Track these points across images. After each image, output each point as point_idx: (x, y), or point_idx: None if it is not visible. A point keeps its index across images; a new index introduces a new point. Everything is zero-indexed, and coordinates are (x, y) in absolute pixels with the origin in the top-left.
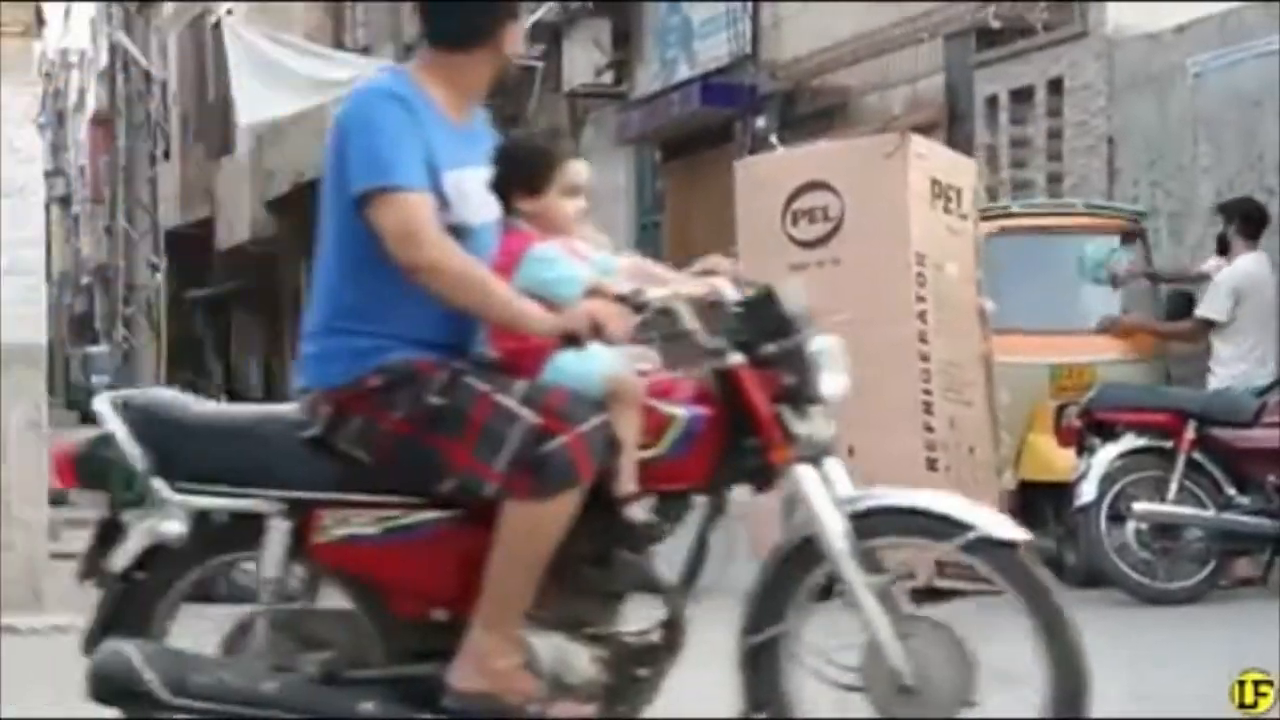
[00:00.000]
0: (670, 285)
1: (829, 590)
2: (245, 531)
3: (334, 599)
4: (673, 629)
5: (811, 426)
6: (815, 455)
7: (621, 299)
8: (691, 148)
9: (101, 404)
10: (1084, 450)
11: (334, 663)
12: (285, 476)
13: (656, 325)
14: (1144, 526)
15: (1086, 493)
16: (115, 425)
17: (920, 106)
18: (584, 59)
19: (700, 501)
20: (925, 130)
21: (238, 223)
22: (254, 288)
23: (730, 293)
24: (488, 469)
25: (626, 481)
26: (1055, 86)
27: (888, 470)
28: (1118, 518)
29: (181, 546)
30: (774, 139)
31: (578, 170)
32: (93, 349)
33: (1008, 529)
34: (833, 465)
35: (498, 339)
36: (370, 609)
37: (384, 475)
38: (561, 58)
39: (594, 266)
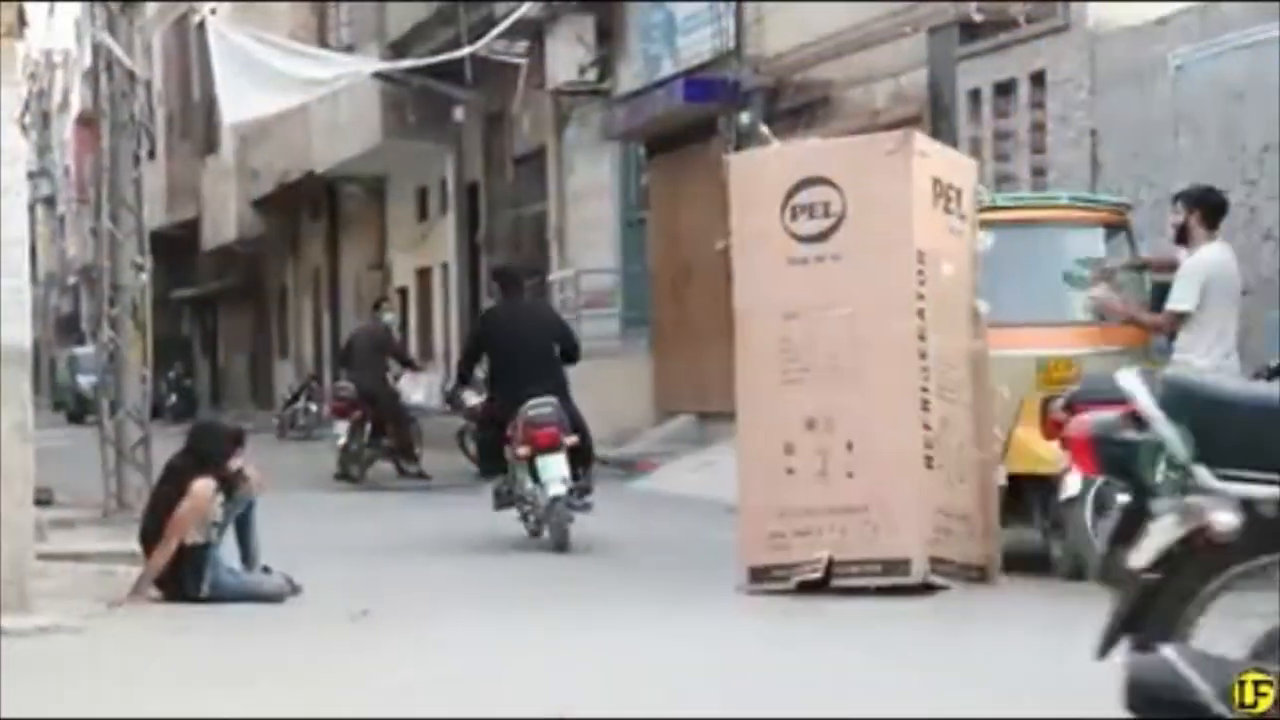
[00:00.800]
0: None
1: None
2: None
3: None
4: None
5: None
6: None
7: None
8: (676, 144)
9: (1128, 380)
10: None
11: None
12: None
13: None
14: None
15: (1072, 485)
16: (1146, 405)
17: (903, 100)
18: (568, 56)
19: None
20: (908, 124)
21: (223, 222)
22: (240, 287)
23: None
24: None
25: None
26: (1038, 80)
27: (886, 466)
28: (1103, 509)
29: (1227, 541)
30: (764, 128)
31: None
32: (79, 350)
33: None
34: None
35: None
36: None
37: None
38: (545, 55)
39: None
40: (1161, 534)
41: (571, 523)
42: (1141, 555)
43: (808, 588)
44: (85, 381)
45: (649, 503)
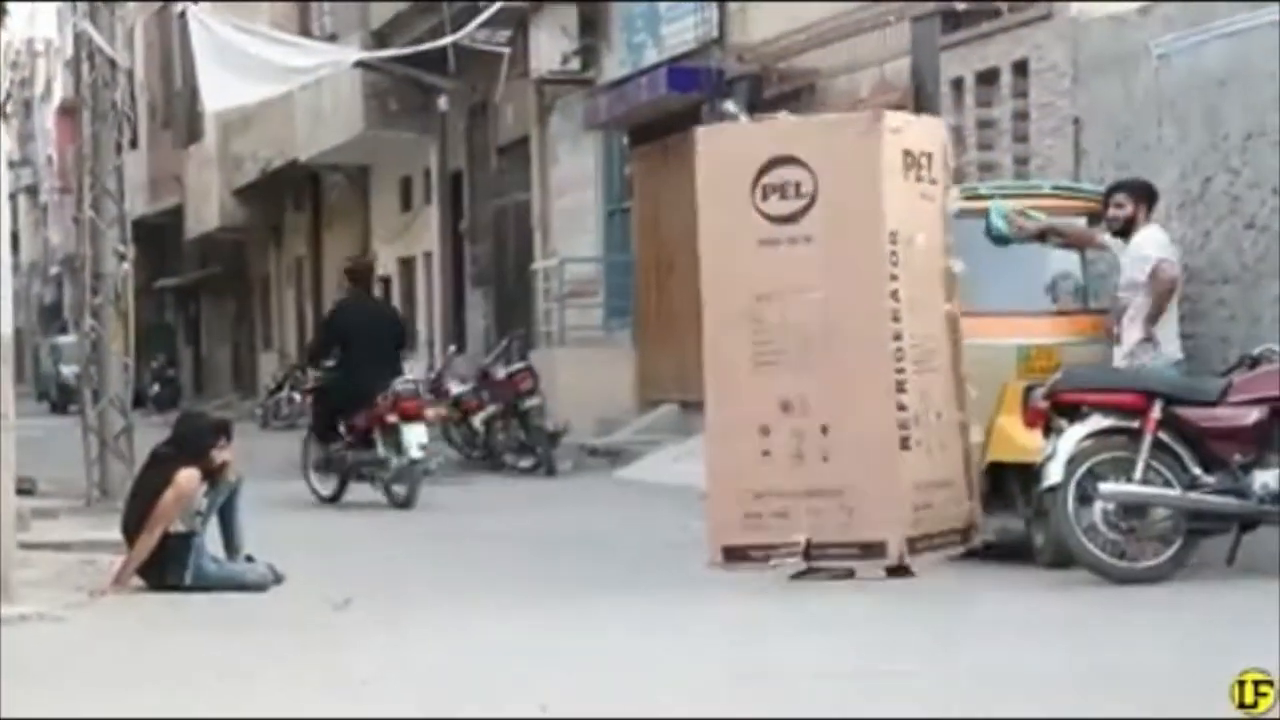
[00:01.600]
0: None
1: None
2: None
3: None
4: None
5: None
6: None
7: None
8: (659, 133)
9: None
10: (1051, 431)
11: None
12: None
13: None
14: (1111, 507)
15: (1054, 473)
16: None
17: (887, 89)
18: (551, 45)
19: None
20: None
21: (206, 211)
22: (223, 276)
23: None
24: None
25: None
26: (1021, 68)
27: (862, 450)
28: (1085, 498)
29: None
30: (731, 106)
31: None
32: (61, 338)
33: None
34: None
35: None
36: None
37: None
38: (528, 44)
39: None
40: None
41: (421, 482)
42: None
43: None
44: (68, 370)
45: (632, 492)
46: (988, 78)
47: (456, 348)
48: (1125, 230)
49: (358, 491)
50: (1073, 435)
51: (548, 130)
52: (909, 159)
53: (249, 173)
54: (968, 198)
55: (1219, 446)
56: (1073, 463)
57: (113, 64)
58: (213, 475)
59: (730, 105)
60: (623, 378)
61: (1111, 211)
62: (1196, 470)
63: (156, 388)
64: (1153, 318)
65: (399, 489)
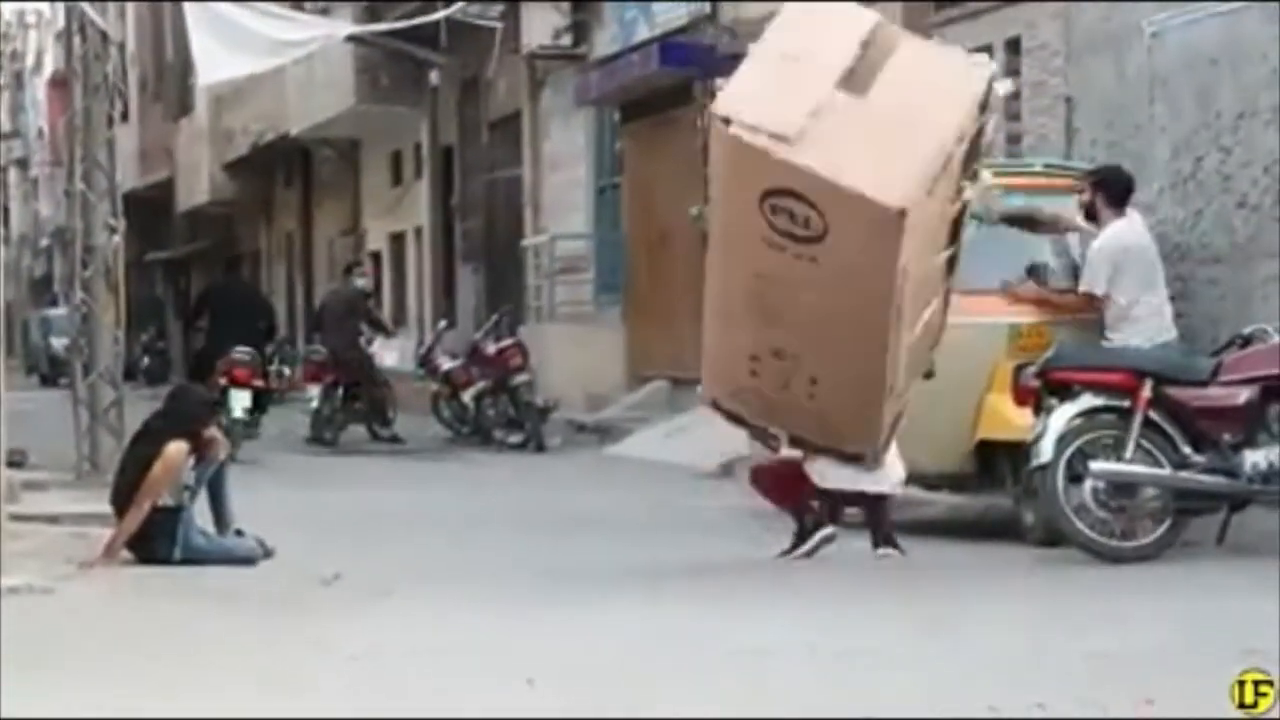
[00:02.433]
0: None
1: None
2: None
3: None
4: None
5: None
6: None
7: None
8: (651, 109)
9: None
10: (1041, 410)
11: None
12: None
13: None
14: (1101, 485)
15: (1044, 452)
16: None
17: None
18: (542, 21)
19: None
20: None
21: (197, 184)
22: (213, 249)
23: None
24: None
25: None
26: (1013, 46)
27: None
28: (1075, 477)
29: None
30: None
31: None
32: (51, 311)
33: None
34: None
35: None
36: None
37: None
38: (520, 20)
39: None
40: None
41: (241, 441)
42: None
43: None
44: (58, 343)
45: (621, 468)
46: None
47: (447, 323)
48: (1091, 215)
49: (363, 469)
50: (1063, 414)
51: (539, 106)
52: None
53: (240, 146)
54: None
55: (1209, 426)
56: (1063, 441)
57: (104, 36)
58: (201, 449)
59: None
60: (613, 354)
61: (1081, 197)
62: (1187, 449)
63: (146, 361)
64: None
65: None
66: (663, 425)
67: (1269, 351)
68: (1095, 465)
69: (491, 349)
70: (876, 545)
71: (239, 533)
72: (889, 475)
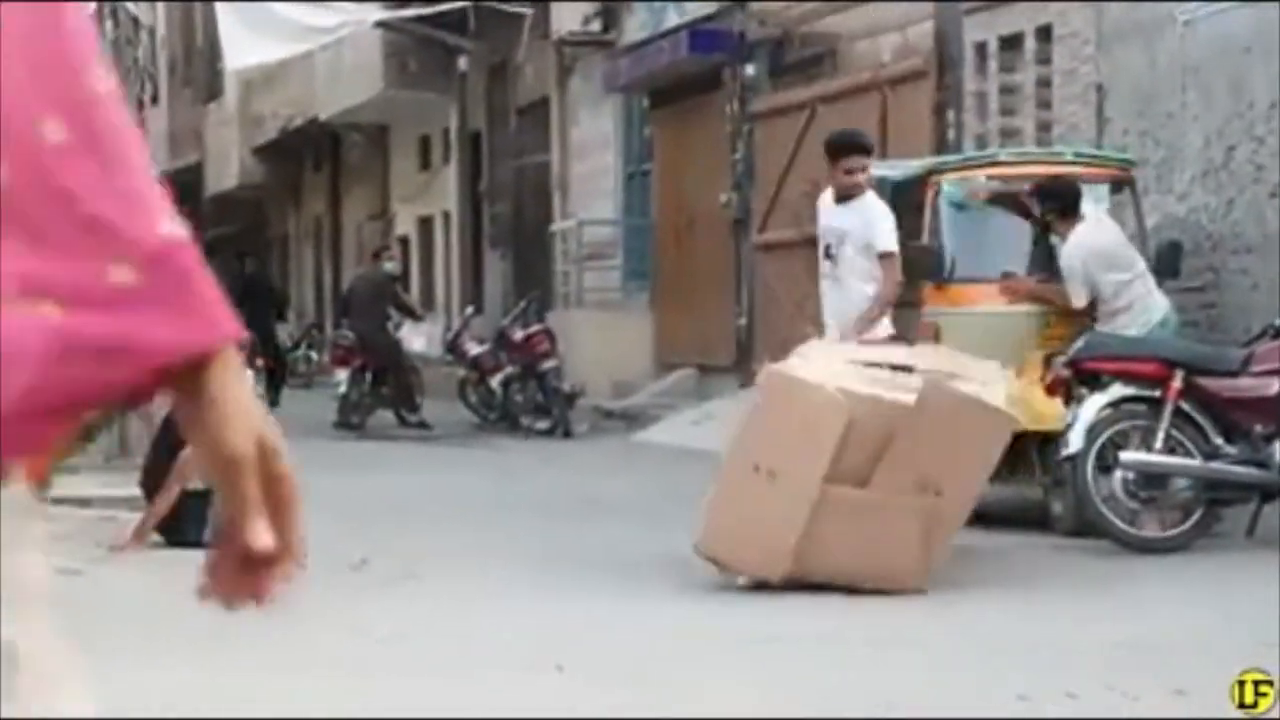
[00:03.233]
0: None
1: None
2: None
3: None
4: None
5: None
6: None
7: None
8: (680, 95)
9: None
10: (1071, 400)
11: None
12: None
13: None
14: (1131, 476)
15: (1074, 442)
16: None
17: (909, 53)
18: (572, 7)
19: None
20: (914, 78)
21: (226, 169)
22: (241, 233)
23: None
24: None
25: None
26: (1044, 34)
27: None
28: (1105, 467)
29: None
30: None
31: None
32: None
33: None
34: None
35: None
36: None
37: None
38: (549, 5)
39: None
40: None
41: None
42: None
43: None
44: None
45: (648, 455)
46: (1011, 43)
47: (474, 309)
48: (1047, 230)
49: (390, 454)
50: (1093, 404)
51: (568, 92)
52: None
53: (269, 131)
54: (990, 164)
55: (1240, 416)
56: (1093, 431)
57: (135, 21)
58: None
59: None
60: (640, 341)
61: (1034, 211)
62: (1218, 440)
63: None
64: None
65: None
66: (690, 412)
67: None
68: (1125, 455)
69: (519, 335)
70: None
71: None
72: None
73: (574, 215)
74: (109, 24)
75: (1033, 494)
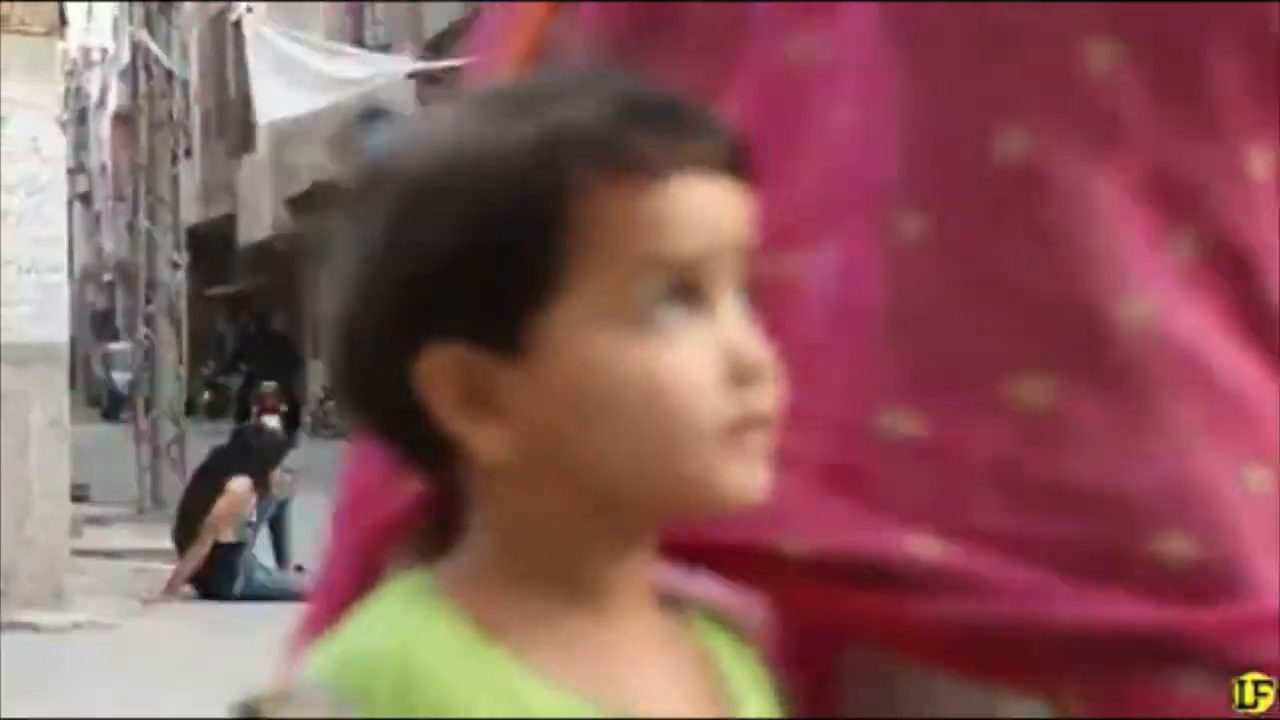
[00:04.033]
0: None
1: None
2: None
3: None
4: None
5: None
6: None
7: None
8: None
9: None
10: None
11: None
12: None
13: None
14: None
15: None
16: None
17: None
18: None
19: None
20: None
21: (258, 220)
22: (275, 285)
23: None
24: None
25: None
26: None
27: None
28: None
29: None
30: None
31: None
32: (114, 346)
33: None
34: None
35: None
36: None
37: None
38: None
39: None
40: None
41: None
42: None
43: None
44: (119, 378)
45: None
46: None
47: None
48: None
49: None
50: None
51: None
52: None
53: (301, 183)
54: None
55: None
56: None
57: (169, 74)
58: (264, 486)
59: None
60: None
61: None
62: None
63: (207, 396)
64: None
65: None
66: None
67: None
68: None
69: None
70: None
71: (300, 569)
72: None
73: None
74: (142, 77)
75: None
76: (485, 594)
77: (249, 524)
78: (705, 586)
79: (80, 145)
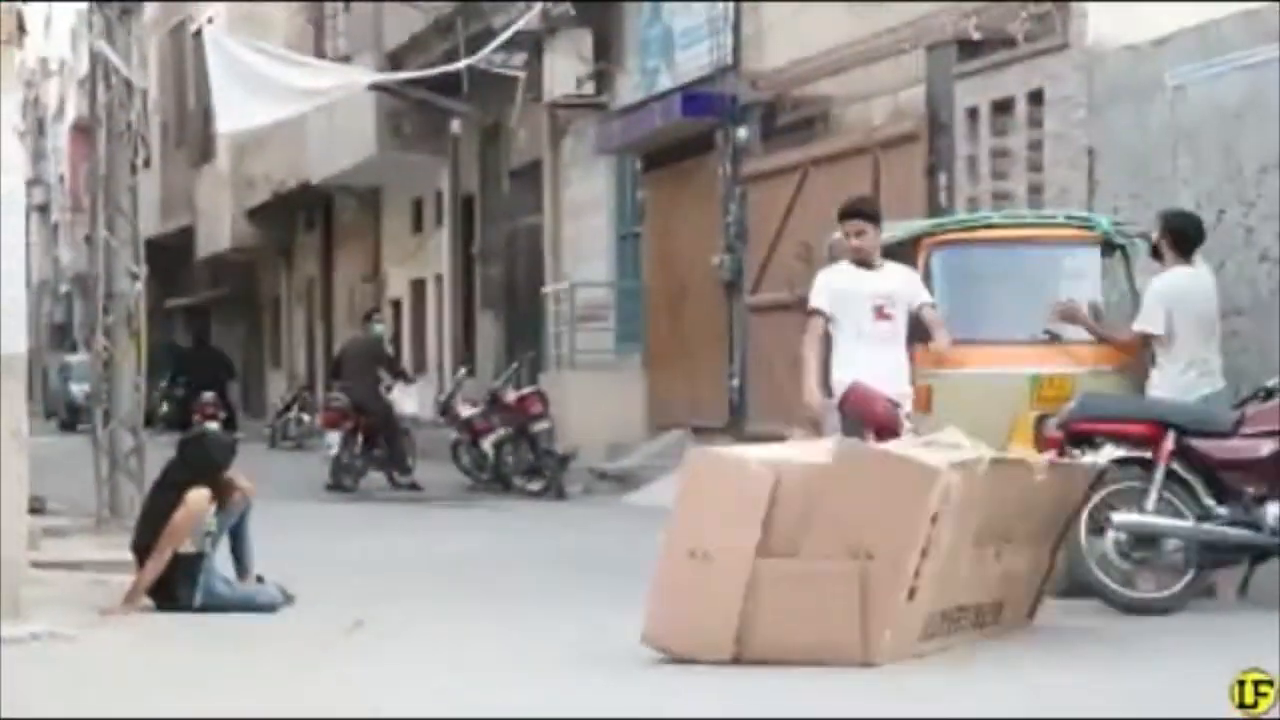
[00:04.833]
0: None
1: None
2: None
3: None
4: None
5: None
6: None
7: None
8: (672, 158)
9: None
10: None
11: None
12: None
13: None
14: (1123, 536)
15: None
16: None
17: (901, 117)
18: (565, 69)
19: None
20: (906, 141)
21: (217, 231)
22: (233, 295)
23: None
24: None
25: None
26: (1036, 98)
27: None
28: (1098, 528)
29: None
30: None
31: None
32: (71, 357)
33: None
34: None
35: None
36: None
37: None
38: (543, 68)
39: None
40: None
41: None
42: None
43: None
44: (77, 389)
45: (641, 516)
46: (1003, 107)
47: (467, 370)
48: (1157, 255)
49: (383, 516)
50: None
51: (560, 154)
52: None
53: (261, 193)
54: (983, 226)
55: (1232, 478)
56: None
57: (128, 84)
58: (223, 496)
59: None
60: (633, 402)
61: (1154, 235)
62: (1209, 501)
63: (166, 407)
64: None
65: None
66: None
67: None
68: (1118, 516)
69: (511, 396)
70: None
71: (260, 579)
72: None
73: (566, 277)
74: (101, 87)
75: None
76: None
77: (208, 534)
78: None
79: (38, 156)
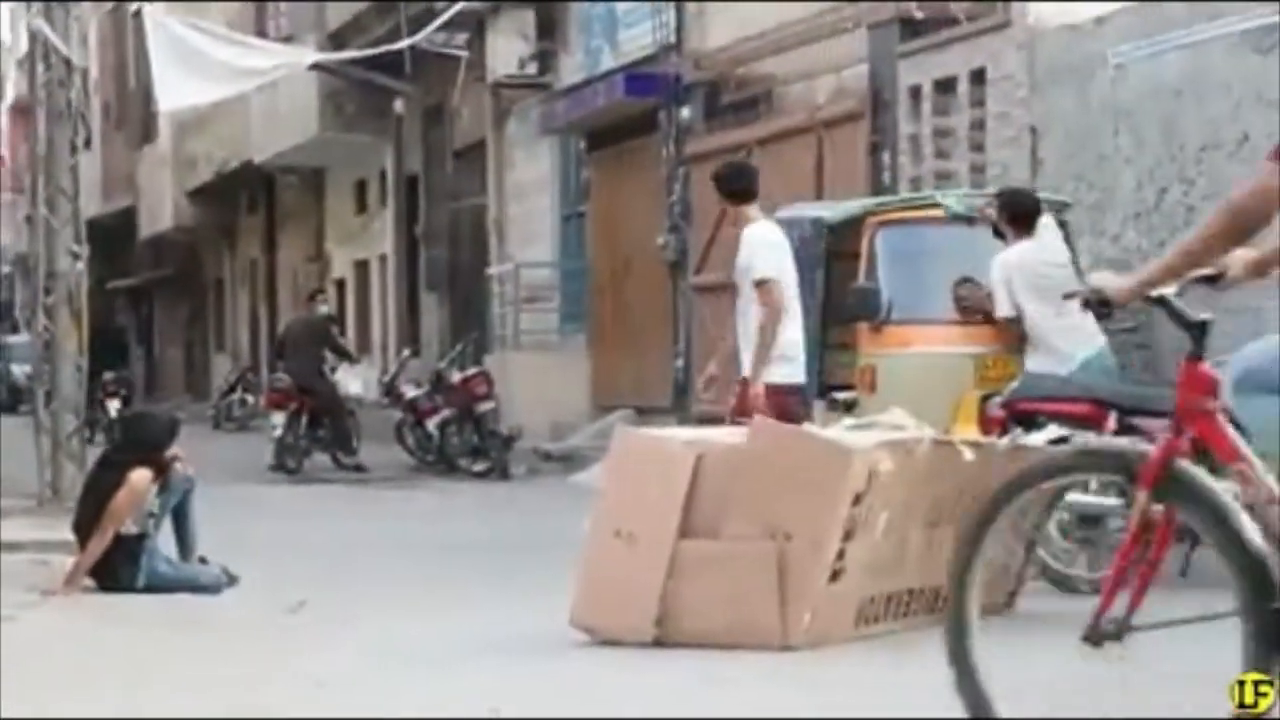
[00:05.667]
0: None
1: None
2: None
3: None
4: None
5: None
6: None
7: None
8: (616, 138)
9: None
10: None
11: None
12: None
13: None
14: (1066, 516)
15: None
16: None
17: (844, 96)
18: (508, 49)
19: None
20: (849, 120)
21: (159, 212)
22: (176, 277)
23: None
24: None
25: None
26: (978, 77)
27: None
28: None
29: None
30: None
31: None
32: (12, 338)
33: None
34: None
35: None
36: None
37: None
38: (485, 48)
39: None
40: None
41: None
42: None
43: None
44: (18, 370)
45: (585, 497)
46: (945, 86)
47: (411, 351)
48: (999, 234)
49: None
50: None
51: (504, 134)
52: None
53: (203, 174)
54: (922, 206)
55: None
56: None
57: (68, 63)
58: (164, 476)
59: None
60: (577, 383)
61: (990, 215)
62: None
63: None
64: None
65: None
66: None
67: None
68: (1069, 496)
69: (456, 377)
70: None
71: (203, 560)
72: None
73: (511, 258)
74: (40, 67)
75: None
76: None
77: (151, 515)
78: None
79: None
